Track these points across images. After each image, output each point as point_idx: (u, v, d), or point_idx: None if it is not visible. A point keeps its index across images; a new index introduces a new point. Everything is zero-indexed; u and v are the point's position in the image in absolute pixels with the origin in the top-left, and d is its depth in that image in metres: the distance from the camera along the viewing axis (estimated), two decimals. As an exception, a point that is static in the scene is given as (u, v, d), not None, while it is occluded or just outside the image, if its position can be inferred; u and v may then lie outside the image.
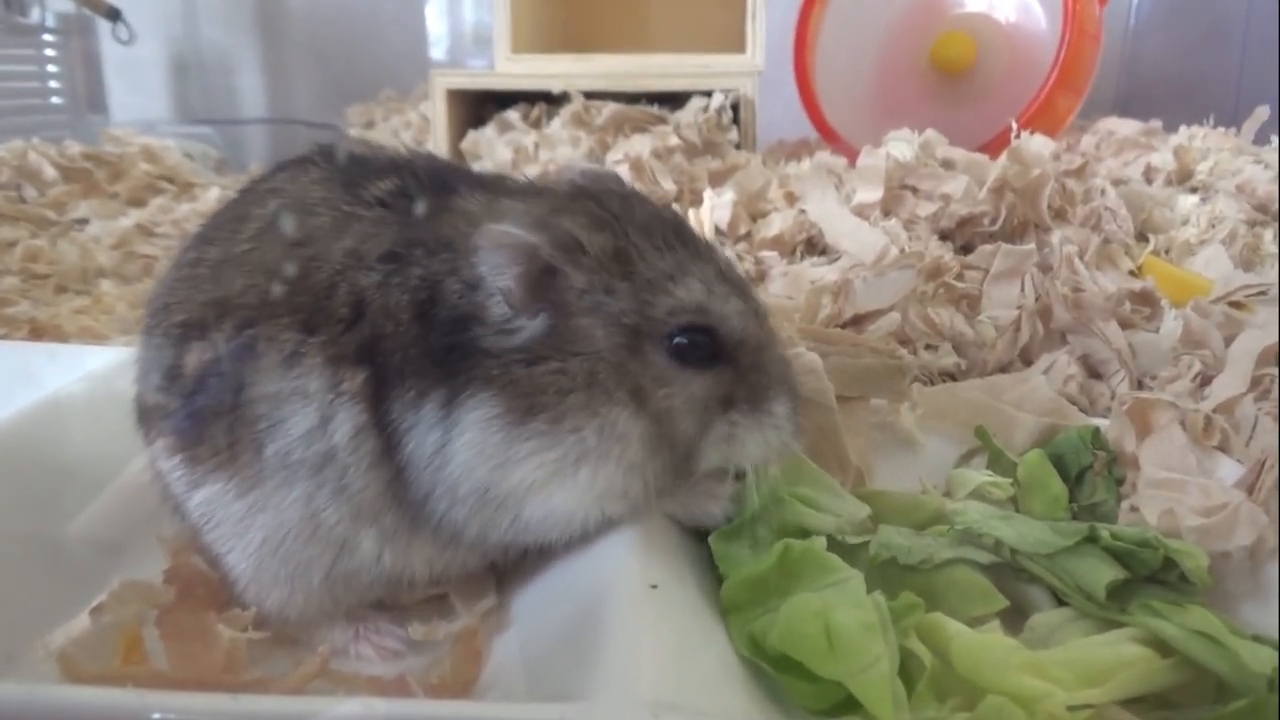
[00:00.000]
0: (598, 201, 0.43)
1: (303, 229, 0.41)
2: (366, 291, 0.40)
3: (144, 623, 0.42)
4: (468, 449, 0.39)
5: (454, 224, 0.41)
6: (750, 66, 1.23)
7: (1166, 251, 0.94)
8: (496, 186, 0.45)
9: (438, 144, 1.23)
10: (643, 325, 0.40)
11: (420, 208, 0.42)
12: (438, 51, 2.23)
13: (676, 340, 0.41)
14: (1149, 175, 1.20)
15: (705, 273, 0.42)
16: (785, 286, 0.76)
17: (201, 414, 0.40)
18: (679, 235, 0.43)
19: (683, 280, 0.41)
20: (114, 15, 1.94)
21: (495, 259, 0.39)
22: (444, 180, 0.44)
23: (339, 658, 0.42)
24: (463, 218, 0.41)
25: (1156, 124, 1.46)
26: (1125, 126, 1.45)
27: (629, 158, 1.00)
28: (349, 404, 0.39)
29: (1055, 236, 0.77)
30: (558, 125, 1.14)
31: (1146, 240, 0.95)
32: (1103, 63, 1.56)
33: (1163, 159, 1.22)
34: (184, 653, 0.40)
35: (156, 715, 0.29)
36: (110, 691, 0.32)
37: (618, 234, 0.41)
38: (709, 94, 1.19)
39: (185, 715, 0.30)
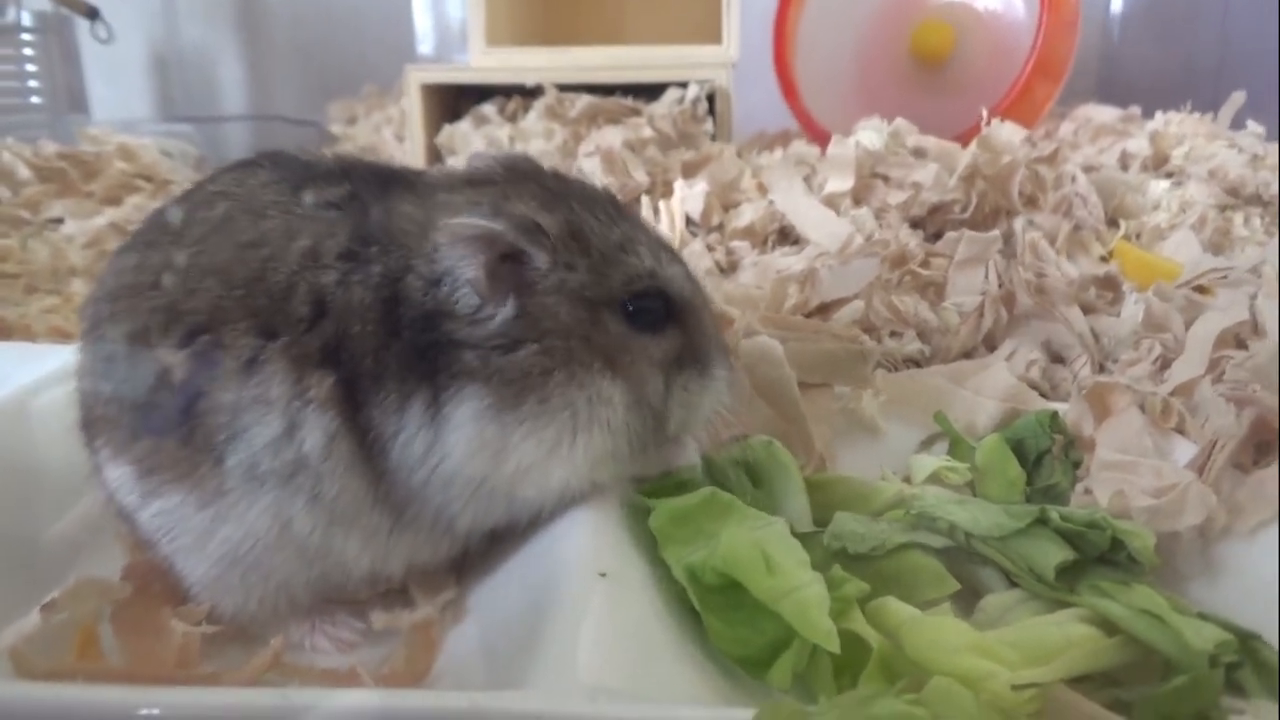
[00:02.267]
0: (539, 183, 0.44)
1: (255, 230, 0.41)
2: (326, 290, 0.39)
3: (100, 619, 0.42)
4: (464, 444, 0.39)
5: (403, 223, 0.41)
6: (725, 58, 1.23)
7: (1137, 237, 0.95)
8: (433, 182, 0.45)
9: (414, 138, 1.23)
10: (601, 296, 0.42)
11: (371, 208, 0.42)
12: (424, 47, 2.23)
13: (633, 306, 0.42)
14: (1124, 161, 1.20)
15: (649, 241, 0.44)
16: (755, 276, 0.77)
17: (154, 426, 0.40)
18: (616, 208, 0.45)
19: (632, 249, 0.43)
20: (92, 14, 1.93)
21: (459, 251, 0.39)
22: (387, 182, 0.44)
23: (294, 650, 0.43)
24: (408, 217, 0.42)
25: (1135, 110, 1.47)
26: (1103, 114, 1.46)
27: (600, 149, 1.00)
28: (318, 410, 0.38)
29: (1018, 223, 0.77)
30: (532, 118, 1.14)
31: (1118, 226, 0.96)
32: (1082, 50, 1.57)
33: (1138, 145, 1.22)
34: (138, 647, 0.40)
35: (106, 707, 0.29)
36: (57, 687, 0.32)
37: (568, 211, 0.42)
38: (685, 86, 1.19)
39: (127, 708, 0.30)
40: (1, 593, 0.45)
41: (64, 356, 0.61)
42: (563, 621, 0.35)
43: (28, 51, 1.91)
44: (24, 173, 1.15)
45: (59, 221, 1.07)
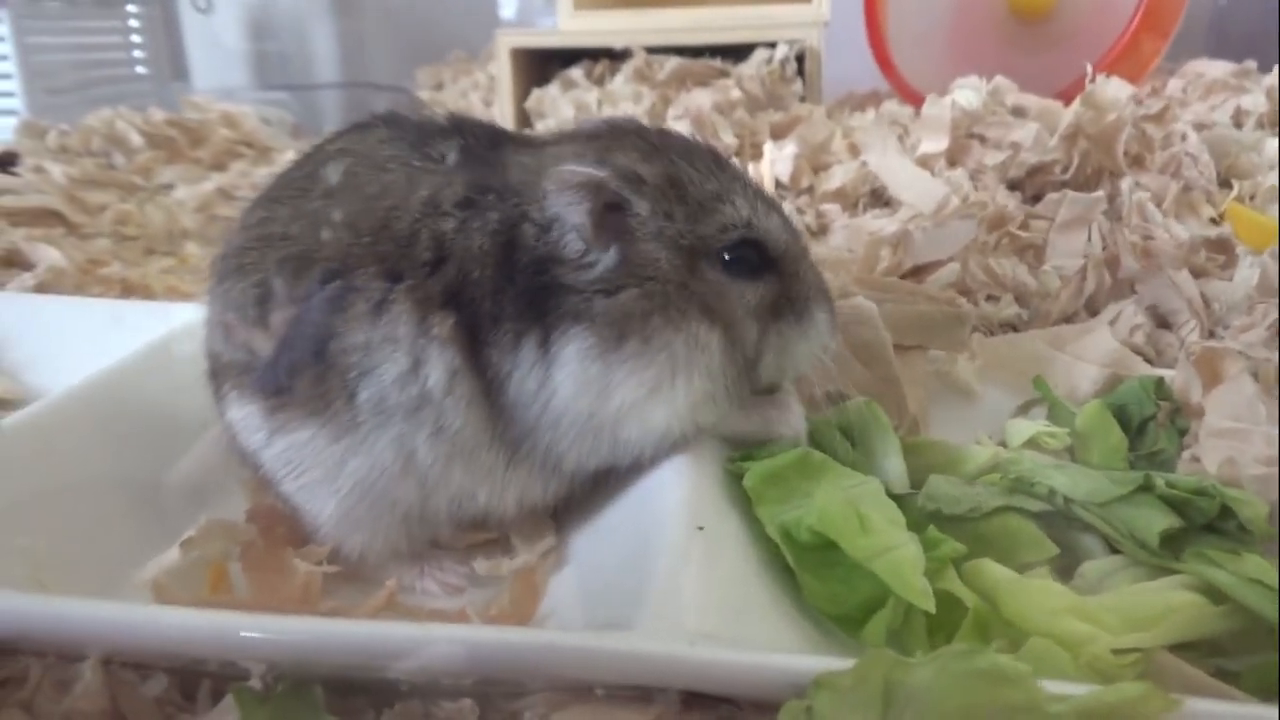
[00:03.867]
0: (640, 136, 0.46)
1: (378, 183, 0.43)
2: (446, 237, 0.42)
3: (228, 558, 0.45)
4: (570, 382, 0.41)
5: (517, 173, 0.44)
6: (815, 17, 1.21)
7: (1252, 198, 0.90)
8: (541, 140, 0.48)
9: (503, 103, 1.25)
10: (698, 244, 0.43)
11: (485, 160, 0.44)
12: (507, 11, 2.24)
13: (729, 255, 0.44)
14: (1239, 119, 1.14)
15: (746, 192, 0.45)
16: (846, 239, 0.76)
17: (286, 365, 0.42)
18: (716, 160, 0.46)
19: (729, 200, 0.44)
20: (193, -15, 2.00)
21: (566, 197, 0.41)
22: (496, 138, 0.47)
23: (404, 593, 0.45)
24: (522, 168, 0.44)
25: (1251, 64, 1.39)
26: (1215, 68, 1.38)
27: (689, 112, 0.99)
28: (441, 348, 0.41)
29: (1125, 183, 0.74)
30: (620, 82, 1.14)
31: (1230, 187, 0.92)
32: (1192, 2, 1.49)
33: (1254, 101, 1.16)
34: (264, 584, 0.43)
35: (244, 635, 0.32)
36: (205, 613, 0.34)
37: (667, 163, 0.44)
38: (773, 46, 1.18)
39: (271, 635, 0.32)
40: (132, 534, 0.48)
41: (183, 314, 0.65)
42: (665, 571, 0.36)
43: (133, 23, 1.99)
44: (136, 140, 1.21)
45: (170, 187, 1.12)
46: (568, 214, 0.41)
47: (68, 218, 0.92)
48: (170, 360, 0.58)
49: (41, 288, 0.74)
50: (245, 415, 0.44)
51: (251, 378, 0.44)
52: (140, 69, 2.00)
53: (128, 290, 0.76)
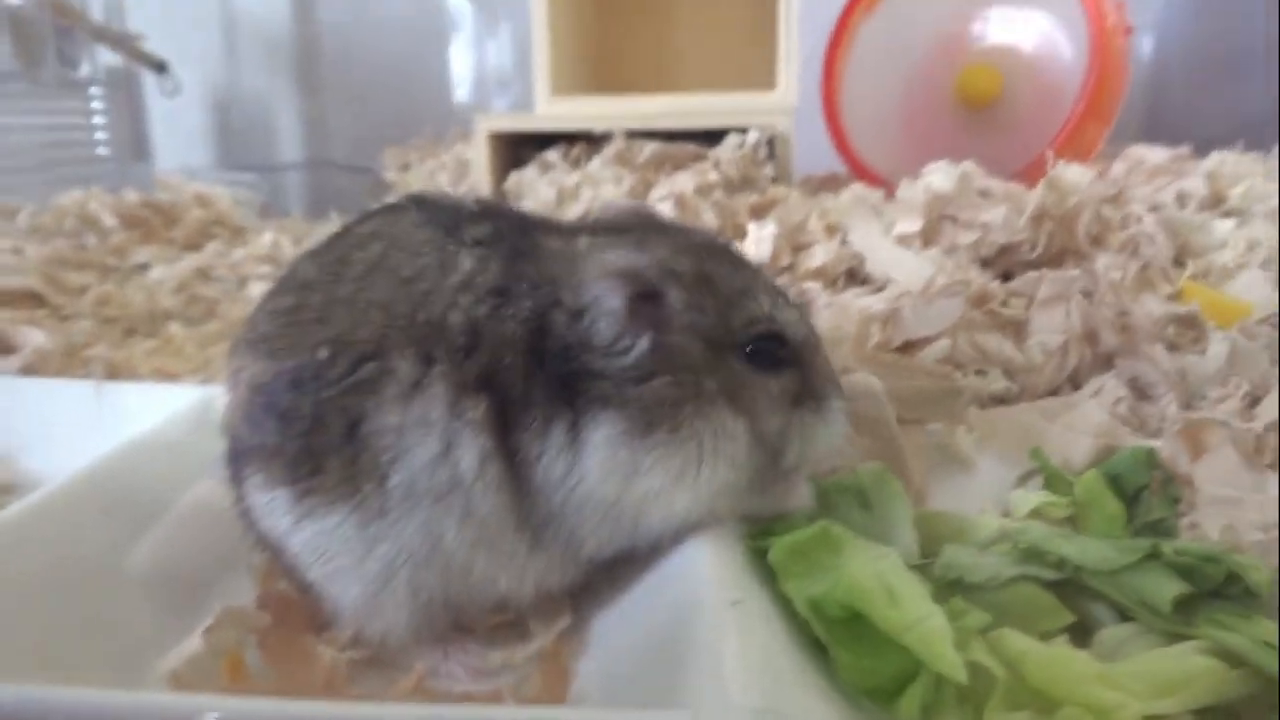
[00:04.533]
0: (667, 232, 0.48)
1: (412, 266, 0.44)
2: (480, 322, 0.42)
3: (244, 647, 0.44)
4: (598, 468, 0.42)
5: (549, 261, 0.45)
6: (783, 104, 1.26)
7: (1205, 276, 0.95)
8: (570, 228, 0.49)
9: (480, 185, 1.27)
10: (725, 338, 0.45)
11: (517, 246, 0.45)
12: (462, 91, 2.29)
13: (753, 347, 0.45)
14: (1182, 201, 1.21)
15: (766, 287, 0.47)
16: (833, 316, 0.78)
17: (316, 449, 0.42)
18: (735, 256, 0.48)
19: (753, 294, 0.46)
20: (161, 67, 2.01)
21: (605, 285, 0.42)
22: (526, 224, 0.48)
23: (429, 677, 0.44)
24: (554, 255, 0.45)
25: (1185, 150, 1.47)
26: (1154, 154, 1.46)
27: (673, 194, 1.02)
28: (474, 432, 0.41)
29: (1099, 263, 0.78)
30: (598, 164, 1.17)
31: (1184, 266, 0.97)
32: (1128, 87, 1.58)
33: (1194, 185, 1.23)
34: (287, 673, 0.42)
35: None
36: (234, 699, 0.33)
37: (698, 258, 0.45)
38: (745, 131, 1.22)
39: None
40: (148, 622, 0.47)
41: (177, 396, 0.65)
42: (708, 648, 0.37)
43: (97, 105, 1.99)
44: (109, 220, 1.20)
45: (145, 267, 1.11)
46: (605, 300, 0.42)
47: (48, 299, 0.90)
48: (172, 443, 0.57)
49: (27, 370, 0.72)
50: (270, 500, 0.44)
51: (279, 462, 0.43)
52: (102, 150, 1.99)
53: (113, 372, 0.75)
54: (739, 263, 0.47)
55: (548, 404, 0.42)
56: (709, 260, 0.45)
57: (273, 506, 0.44)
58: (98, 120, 2.00)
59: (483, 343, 0.42)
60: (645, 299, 0.43)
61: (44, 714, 0.32)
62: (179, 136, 2.28)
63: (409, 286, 0.43)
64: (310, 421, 0.42)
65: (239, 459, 0.46)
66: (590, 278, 0.42)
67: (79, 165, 1.88)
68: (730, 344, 0.45)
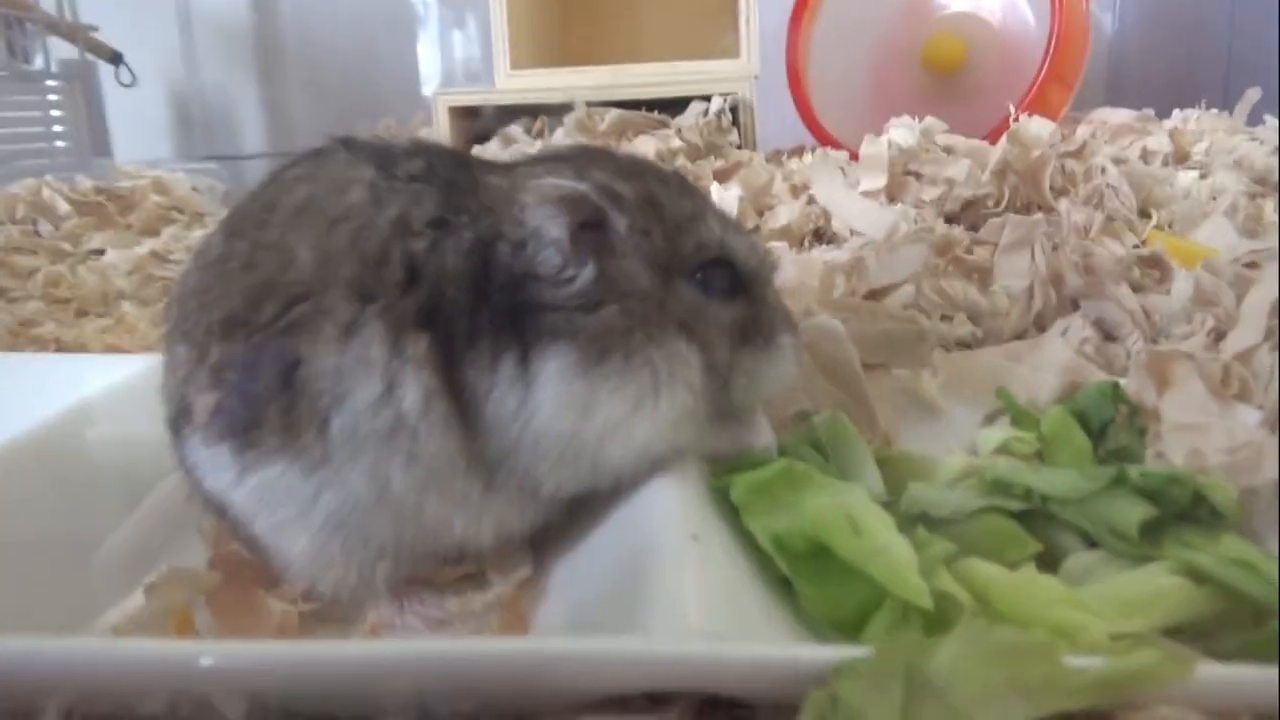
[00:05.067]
0: (613, 158, 0.46)
1: (342, 205, 0.42)
2: (418, 256, 0.41)
3: (193, 606, 0.43)
4: (552, 400, 0.40)
5: (488, 192, 0.43)
6: (746, 71, 1.25)
7: (1170, 225, 0.95)
8: (509, 162, 0.48)
9: (443, 161, 1.25)
10: (673, 263, 0.43)
11: (454, 179, 0.43)
12: (429, 84, 2.26)
13: (703, 274, 0.44)
14: (1146, 158, 1.21)
15: (716, 213, 0.46)
16: (798, 272, 0.77)
17: (254, 399, 0.40)
18: (685, 184, 0.47)
19: (702, 221, 0.45)
20: (116, 59, 1.98)
21: (545, 211, 0.41)
22: (463, 160, 0.46)
23: (385, 630, 0.43)
24: (494, 187, 0.43)
25: (1149, 112, 1.48)
26: (1119, 115, 1.47)
27: (634, 159, 1.01)
28: (416, 369, 0.39)
29: (1063, 206, 0.78)
30: (561, 135, 1.15)
31: (1149, 216, 0.97)
32: (1090, 55, 1.59)
33: (1159, 142, 1.23)
34: (236, 628, 0.41)
35: (221, 662, 0.30)
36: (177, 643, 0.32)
37: (643, 182, 0.44)
38: (708, 99, 1.21)
39: (253, 662, 0.30)
40: (81, 592, 0.45)
41: (130, 366, 0.63)
42: (663, 578, 0.36)
43: (53, 97, 1.95)
44: (63, 207, 1.17)
45: (100, 253, 1.09)
46: (546, 228, 0.41)
47: (-4, 282, 0.88)
48: (115, 412, 0.56)
49: (-29, 349, 0.70)
50: (211, 456, 0.42)
51: (217, 416, 0.41)
52: (61, 143, 1.95)
53: (63, 349, 0.73)
54: (687, 189, 0.46)
55: (494, 338, 0.40)
56: (654, 184, 0.44)
57: (214, 463, 0.42)
58: (55, 114, 1.96)
59: (421, 278, 0.40)
60: (588, 225, 0.41)
61: (27, 664, 0.30)
62: (139, 130, 2.24)
63: (340, 225, 0.41)
64: (244, 371, 0.40)
65: (178, 418, 0.44)
66: (530, 205, 0.41)
67: (37, 159, 1.84)
68: (679, 269, 0.43)
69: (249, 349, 0.40)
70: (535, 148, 1.14)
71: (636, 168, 0.45)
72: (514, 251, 0.41)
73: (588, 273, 0.41)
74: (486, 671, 0.30)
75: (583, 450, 0.41)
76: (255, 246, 0.43)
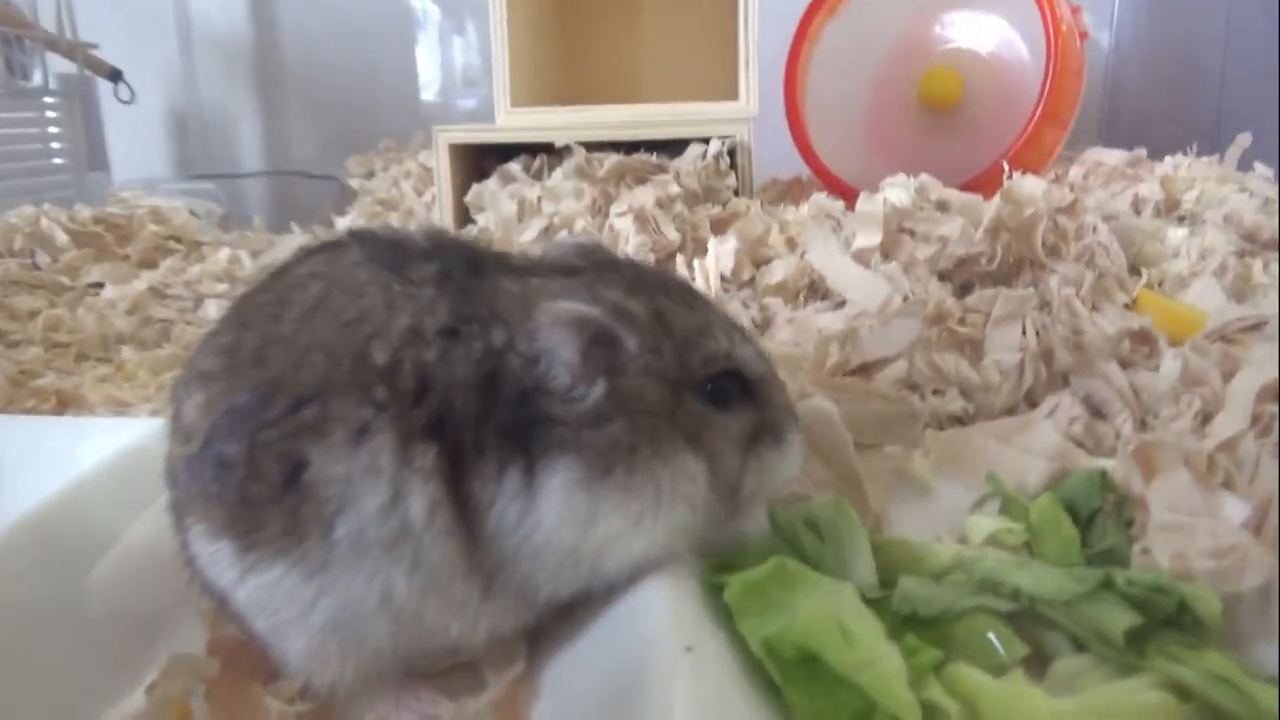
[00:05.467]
0: (620, 271, 0.47)
1: (355, 308, 0.43)
2: (429, 365, 0.41)
3: (191, 696, 0.43)
4: (555, 514, 0.41)
5: (500, 302, 0.43)
6: (745, 113, 1.26)
7: (1160, 284, 0.96)
8: (523, 265, 0.48)
9: (442, 197, 1.26)
10: (682, 377, 0.44)
11: (467, 287, 0.44)
12: (428, 101, 2.27)
13: (711, 387, 0.45)
14: (1137, 206, 1.23)
15: (722, 324, 0.47)
16: (792, 334, 0.78)
17: (258, 499, 0.40)
18: (690, 293, 0.48)
19: (709, 333, 0.46)
20: (115, 76, 1.98)
21: (558, 333, 0.41)
22: (477, 262, 0.46)
23: (381, 725, 0.44)
24: (506, 295, 0.44)
25: (1141, 153, 1.50)
26: (1111, 157, 1.49)
27: (633, 209, 1.02)
28: (424, 480, 0.40)
29: (1054, 279, 0.79)
30: (559, 177, 1.16)
31: (1139, 274, 0.98)
32: (1084, 93, 1.60)
33: (1150, 189, 1.25)
34: (234, 726, 0.41)
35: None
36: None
37: (652, 298, 0.45)
38: (706, 141, 1.22)
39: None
40: (83, 674, 0.46)
41: (132, 431, 0.63)
42: (657, 695, 0.36)
43: (51, 114, 1.95)
44: (61, 238, 1.18)
45: (99, 286, 1.09)
46: (558, 349, 0.41)
47: (-4, 325, 0.88)
48: (120, 481, 0.56)
49: (-28, 404, 0.71)
50: (214, 552, 0.42)
51: (220, 512, 0.42)
52: (58, 160, 1.95)
53: (62, 402, 0.73)
54: (694, 300, 0.47)
55: (500, 449, 0.41)
56: (663, 300, 0.45)
57: (216, 558, 0.42)
58: (53, 130, 1.96)
59: (432, 387, 0.41)
60: (599, 345, 0.42)
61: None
62: (138, 146, 2.24)
63: (352, 329, 0.42)
64: (249, 469, 0.40)
65: (179, 508, 0.45)
66: (543, 325, 0.41)
67: (35, 175, 1.84)
68: (688, 384, 0.44)
69: (255, 447, 0.41)
70: (534, 190, 1.15)
71: (647, 282, 0.46)
72: (525, 366, 0.42)
73: (598, 390, 0.42)
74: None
75: (582, 560, 0.42)
76: (265, 342, 0.43)
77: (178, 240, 1.30)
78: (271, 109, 2.33)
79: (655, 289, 0.46)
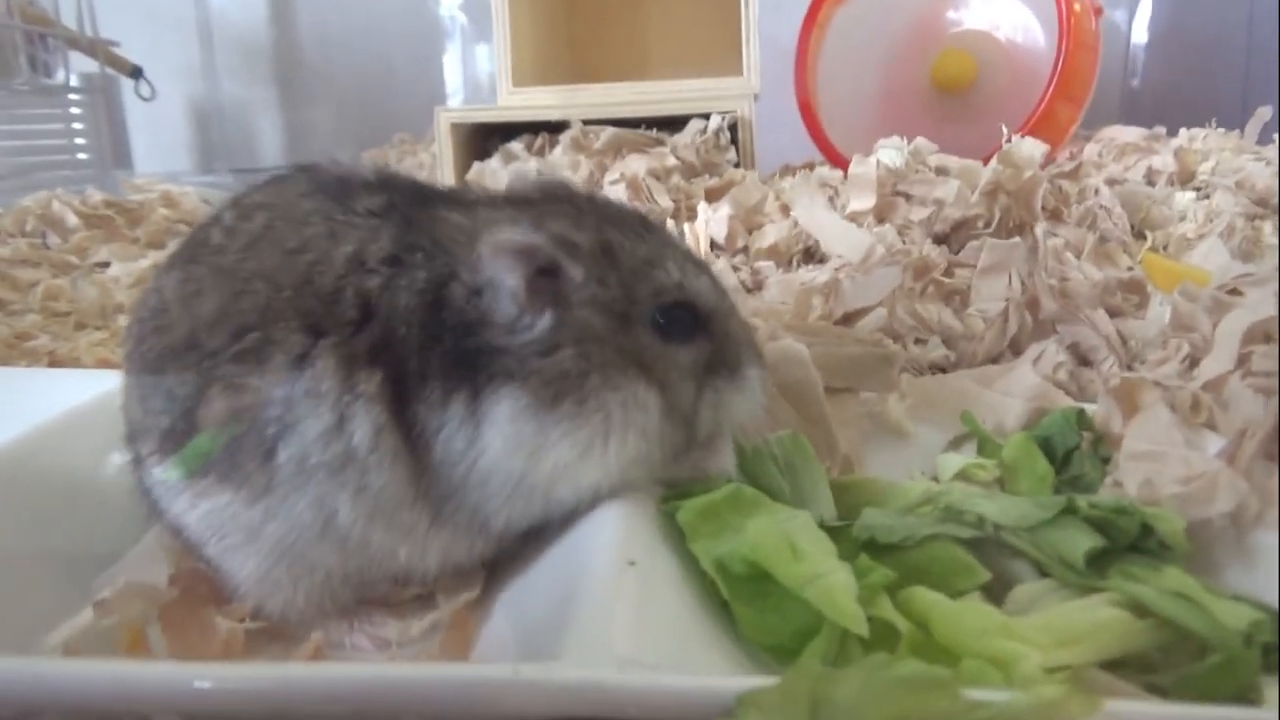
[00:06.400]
0: (572, 202, 0.46)
1: (299, 237, 0.43)
2: (372, 294, 0.41)
3: (147, 621, 0.44)
4: (501, 441, 0.41)
5: (446, 232, 0.43)
6: (746, 89, 1.26)
7: (1165, 247, 0.95)
8: (472, 198, 0.47)
9: (445, 177, 1.27)
10: (631, 309, 0.43)
11: (413, 217, 0.44)
12: (453, 99, 2.29)
13: (662, 318, 0.44)
14: (1150, 178, 1.20)
15: (676, 256, 0.46)
16: (780, 292, 0.78)
17: (204, 428, 0.41)
18: (646, 226, 0.46)
19: (660, 265, 0.45)
20: (136, 73, 2.02)
21: (501, 262, 0.41)
22: (425, 195, 0.46)
23: (334, 649, 0.44)
24: (453, 227, 0.44)
25: (1160, 130, 1.47)
26: (1128, 133, 1.46)
27: (625, 177, 1.02)
28: (367, 405, 0.40)
29: (1039, 230, 0.77)
30: (559, 153, 1.16)
31: (1144, 238, 0.96)
32: (1107, 73, 1.58)
33: (1164, 161, 1.22)
34: (184, 644, 0.42)
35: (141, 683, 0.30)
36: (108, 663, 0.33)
37: (599, 229, 0.44)
38: (708, 117, 1.22)
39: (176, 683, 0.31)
40: (50, 604, 0.46)
41: (109, 380, 0.64)
42: (594, 603, 0.36)
43: (74, 110, 1.99)
44: (72, 220, 1.20)
45: (105, 265, 1.11)
46: (502, 279, 0.41)
47: (-2, 296, 0.90)
48: (92, 425, 0.57)
49: (-36, 361, 0.72)
50: (165, 481, 0.43)
51: (171, 440, 0.42)
52: (82, 155, 1.99)
53: (55, 363, 0.75)
54: (646, 231, 0.46)
55: (446, 377, 0.41)
56: (612, 231, 0.44)
57: (168, 486, 0.43)
58: (76, 126, 2.00)
59: (375, 315, 0.41)
60: (543, 275, 0.41)
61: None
62: (159, 143, 2.29)
63: (295, 257, 0.42)
64: (194, 398, 0.41)
65: (134, 440, 0.45)
66: (485, 255, 0.41)
67: (57, 171, 1.88)
68: (637, 315, 0.44)
69: (199, 375, 0.41)
70: (532, 165, 1.15)
71: (595, 213, 0.45)
72: (469, 296, 0.42)
73: (544, 321, 0.42)
74: (400, 696, 0.30)
75: (534, 490, 0.42)
76: (212, 273, 0.44)
77: (187, 225, 1.31)
78: (289, 104, 2.36)
79: (607, 221, 0.45)
